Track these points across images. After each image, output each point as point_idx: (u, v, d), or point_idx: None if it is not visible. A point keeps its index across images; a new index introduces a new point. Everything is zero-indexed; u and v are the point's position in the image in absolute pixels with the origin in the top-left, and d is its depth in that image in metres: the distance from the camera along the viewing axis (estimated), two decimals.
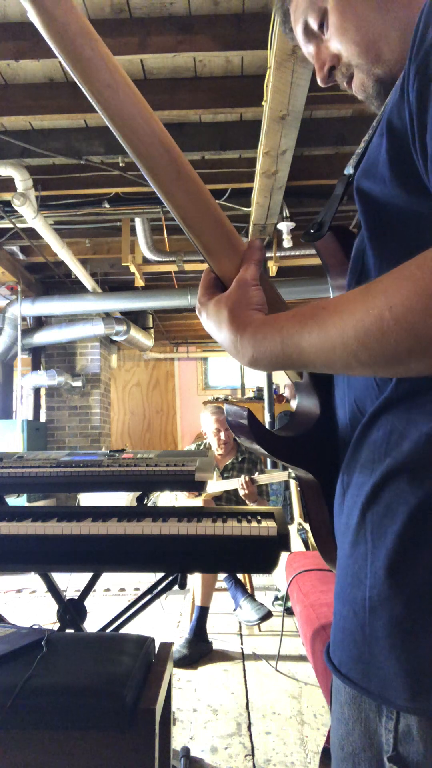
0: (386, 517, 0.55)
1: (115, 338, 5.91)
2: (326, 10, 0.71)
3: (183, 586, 1.72)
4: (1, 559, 1.53)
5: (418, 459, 0.54)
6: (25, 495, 4.70)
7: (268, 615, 2.99)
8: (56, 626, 1.79)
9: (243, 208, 3.81)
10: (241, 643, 2.98)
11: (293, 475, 3.34)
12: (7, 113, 2.96)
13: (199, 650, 2.80)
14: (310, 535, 2.88)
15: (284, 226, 3.77)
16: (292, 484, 3.71)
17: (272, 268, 4.44)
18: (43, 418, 6.18)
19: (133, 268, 4.47)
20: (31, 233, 4.25)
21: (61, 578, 2.25)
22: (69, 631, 1.76)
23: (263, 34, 2.23)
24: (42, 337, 5.68)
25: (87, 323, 5.53)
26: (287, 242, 3.89)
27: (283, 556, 1.73)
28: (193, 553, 1.50)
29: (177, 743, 1.97)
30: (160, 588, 1.78)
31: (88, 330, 5.55)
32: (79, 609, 1.79)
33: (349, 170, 0.74)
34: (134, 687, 1.22)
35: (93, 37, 0.62)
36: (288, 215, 3.77)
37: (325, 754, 1.50)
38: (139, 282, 4.70)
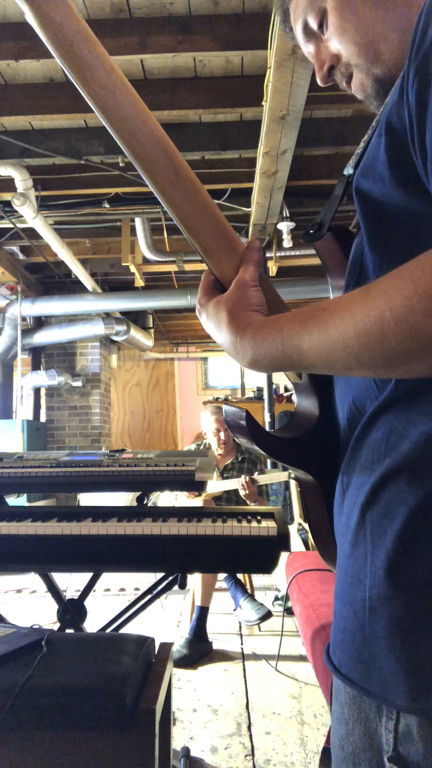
0: (386, 517, 0.55)
1: (115, 338, 5.91)
2: (325, 10, 0.71)
3: (183, 586, 1.72)
4: (1, 559, 1.53)
5: (418, 459, 0.54)
6: (25, 495, 4.70)
7: (268, 615, 2.99)
8: (56, 626, 1.79)
9: (243, 208, 3.81)
10: (241, 643, 2.98)
11: (293, 475, 3.34)
12: (7, 113, 2.96)
13: (199, 650, 2.80)
14: (310, 535, 2.88)
15: (284, 226, 3.77)
16: (292, 484, 3.72)
17: (272, 268, 4.44)
18: (43, 418, 6.18)
19: (133, 268, 4.47)
20: (31, 233, 4.25)
21: (61, 578, 2.25)
22: (69, 631, 1.76)
23: (263, 34, 2.24)
24: (42, 337, 5.68)
25: (87, 323, 5.53)
26: (287, 242, 3.89)
27: (283, 556, 1.73)
28: (193, 553, 1.50)
29: (177, 743, 1.97)
30: (160, 588, 1.78)
31: (88, 330, 5.55)
32: (79, 609, 1.79)
33: (348, 170, 0.74)
34: (134, 687, 1.22)
35: (90, 38, 0.62)
36: (288, 215, 3.77)
37: (325, 754, 1.51)
38: (139, 282, 4.70)
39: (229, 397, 7.94)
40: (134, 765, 1.14)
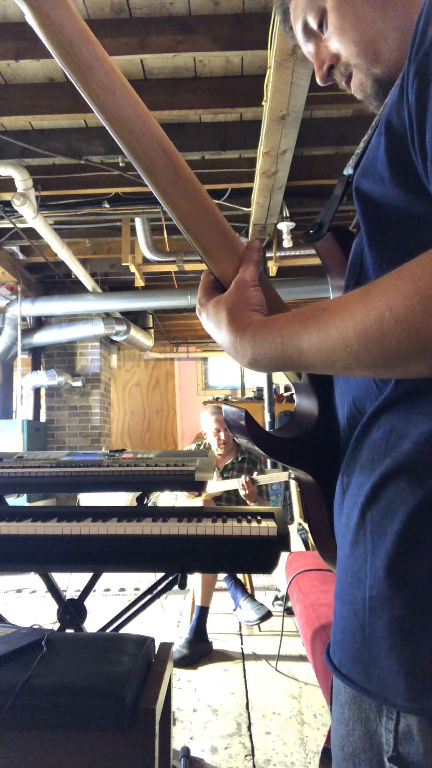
0: (386, 517, 0.55)
1: (115, 338, 5.91)
2: (325, 10, 0.71)
3: (183, 586, 1.72)
4: (1, 559, 1.53)
5: (418, 459, 0.54)
6: (25, 495, 4.70)
7: (267, 615, 2.99)
8: (56, 626, 1.79)
9: (243, 208, 3.81)
10: (241, 643, 2.98)
11: (293, 475, 3.34)
12: (7, 113, 2.96)
13: (199, 650, 2.80)
14: (310, 535, 2.88)
15: (284, 226, 3.77)
16: (292, 484, 3.72)
17: (272, 268, 4.44)
18: (43, 418, 6.18)
19: (133, 268, 4.47)
20: (31, 233, 4.25)
21: (61, 578, 2.25)
22: (69, 631, 1.76)
23: (263, 34, 2.23)
24: (42, 337, 5.68)
25: (87, 323, 5.53)
26: (287, 242, 3.89)
27: (283, 556, 1.73)
28: (193, 553, 1.50)
29: (177, 743, 1.97)
30: (160, 588, 1.78)
31: (88, 330, 5.55)
32: (79, 609, 1.79)
33: (348, 170, 0.74)
34: (134, 687, 1.22)
35: (90, 39, 0.62)
36: (288, 215, 3.77)
37: (325, 754, 1.50)
38: (139, 282, 4.70)
39: (229, 397, 7.94)
40: (134, 765, 1.14)
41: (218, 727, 2.13)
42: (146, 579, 3.84)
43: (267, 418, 5.17)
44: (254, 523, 1.50)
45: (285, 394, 6.76)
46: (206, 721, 2.17)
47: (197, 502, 3.20)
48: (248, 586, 3.31)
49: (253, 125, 3.16)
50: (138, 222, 4.18)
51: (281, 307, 0.69)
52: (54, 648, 1.35)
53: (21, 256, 5.02)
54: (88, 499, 4.79)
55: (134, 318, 6.40)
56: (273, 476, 3.40)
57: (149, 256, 4.41)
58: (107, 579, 4.17)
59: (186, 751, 1.89)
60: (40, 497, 5.16)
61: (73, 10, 0.62)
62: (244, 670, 2.65)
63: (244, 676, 2.58)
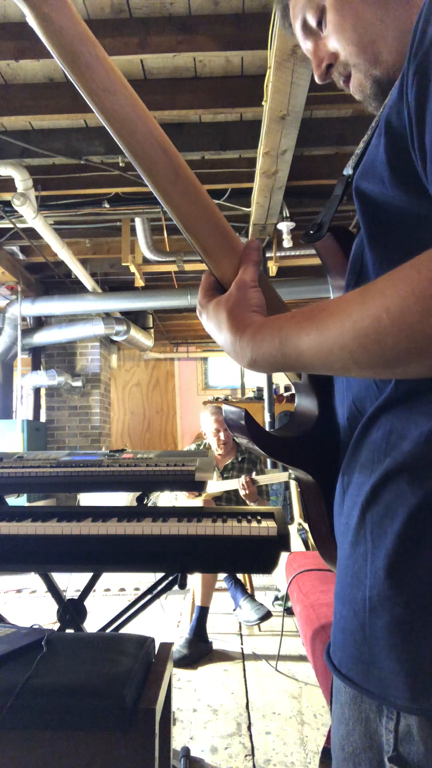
0: (386, 517, 0.55)
1: (115, 338, 5.91)
2: (324, 8, 0.71)
3: (183, 586, 1.72)
4: (1, 559, 1.53)
5: (418, 459, 0.54)
6: (25, 495, 4.70)
7: (267, 615, 2.99)
8: (56, 626, 1.79)
9: (243, 208, 3.81)
10: (241, 643, 2.98)
11: (293, 475, 3.34)
12: (7, 113, 2.96)
13: (199, 650, 2.80)
14: (310, 535, 2.88)
15: (284, 226, 3.77)
16: (292, 484, 3.72)
17: (272, 269, 4.44)
18: (43, 418, 6.18)
19: (133, 268, 4.47)
20: (31, 233, 4.25)
21: (61, 578, 2.25)
22: (69, 631, 1.76)
23: (263, 33, 2.23)
24: (42, 337, 5.68)
25: (87, 323, 5.53)
26: (287, 242, 3.89)
27: (283, 556, 1.73)
28: (193, 553, 1.50)
29: (177, 743, 1.97)
30: (160, 588, 1.78)
31: (88, 330, 5.55)
32: (79, 609, 1.79)
33: (348, 171, 0.74)
34: (134, 687, 1.22)
35: (90, 40, 0.62)
36: (288, 215, 3.77)
37: (325, 754, 1.50)
38: (139, 282, 4.70)
39: (229, 397, 7.94)
40: (134, 765, 1.14)
41: (218, 727, 2.13)
42: (146, 579, 3.84)
43: (267, 418, 5.17)
44: (254, 523, 1.50)
45: (285, 394, 6.76)
46: (206, 721, 2.17)
47: (197, 502, 3.20)
48: (248, 586, 3.31)
49: (253, 125, 3.16)
50: (138, 222, 4.18)
51: (281, 307, 0.69)
52: (54, 648, 1.35)
53: (21, 256, 5.02)
54: (88, 499, 4.79)
55: (134, 318, 6.40)
56: (273, 476, 3.40)
57: (149, 256, 4.41)
58: (107, 579, 4.17)
59: (186, 751, 1.89)
60: (40, 497, 5.16)
61: (73, 11, 0.62)
62: (244, 670, 2.65)
63: (244, 676, 2.58)
